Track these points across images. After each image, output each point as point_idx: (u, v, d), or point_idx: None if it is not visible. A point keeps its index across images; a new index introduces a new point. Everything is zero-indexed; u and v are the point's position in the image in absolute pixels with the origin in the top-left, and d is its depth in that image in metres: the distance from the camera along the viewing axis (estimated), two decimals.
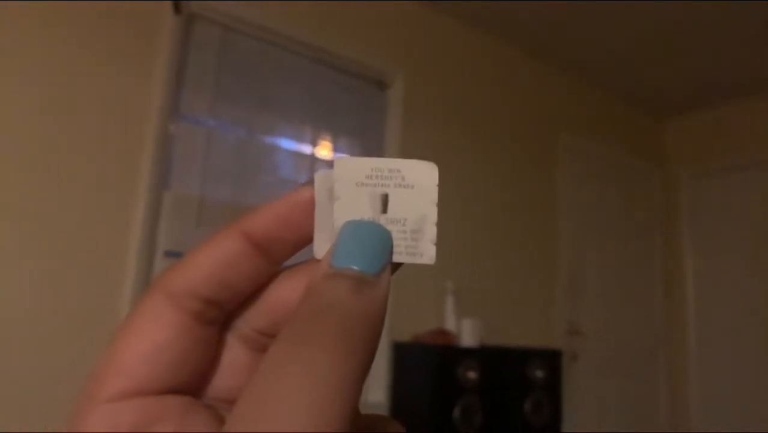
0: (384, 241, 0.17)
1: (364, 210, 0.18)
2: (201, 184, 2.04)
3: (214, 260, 0.18)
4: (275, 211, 0.18)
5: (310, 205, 0.18)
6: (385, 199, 0.18)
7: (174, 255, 1.91)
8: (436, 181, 0.19)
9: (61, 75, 1.76)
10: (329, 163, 0.19)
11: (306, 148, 2.34)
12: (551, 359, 2.50)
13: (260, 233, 0.18)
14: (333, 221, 0.18)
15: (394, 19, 2.61)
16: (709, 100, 3.52)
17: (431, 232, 0.18)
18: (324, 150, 2.38)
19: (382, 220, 0.18)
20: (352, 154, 2.50)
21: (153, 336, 0.17)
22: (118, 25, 1.88)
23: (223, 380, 0.19)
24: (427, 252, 0.18)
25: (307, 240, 0.19)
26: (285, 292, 0.19)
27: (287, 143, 2.30)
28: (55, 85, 1.75)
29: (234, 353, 0.19)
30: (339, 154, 2.41)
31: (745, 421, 3.13)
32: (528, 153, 3.04)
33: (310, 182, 0.19)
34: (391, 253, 0.18)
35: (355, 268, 0.16)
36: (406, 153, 2.47)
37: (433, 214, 0.19)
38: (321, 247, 0.18)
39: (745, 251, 3.31)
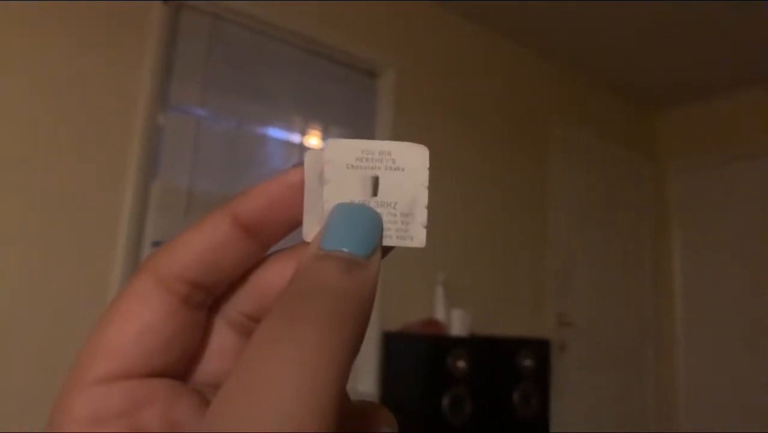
0: (374, 224, 0.17)
1: (355, 193, 0.18)
2: (190, 175, 2.02)
3: (202, 242, 0.17)
4: (264, 194, 0.18)
5: (300, 188, 0.18)
6: (375, 182, 0.18)
7: None
8: (427, 164, 0.18)
9: (48, 65, 1.74)
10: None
11: (296, 138, 2.33)
12: (540, 349, 2.52)
13: (249, 216, 0.18)
14: (323, 203, 0.18)
15: (384, 8, 2.60)
16: (701, 92, 3.53)
17: (422, 215, 0.18)
18: (314, 140, 2.37)
19: (373, 203, 0.18)
20: None
21: (141, 318, 0.17)
22: (106, 14, 1.85)
23: (209, 364, 0.19)
24: (417, 236, 0.18)
25: (296, 223, 0.18)
26: (272, 276, 0.19)
27: (277, 133, 2.29)
28: (42, 75, 1.72)
29: (221, 338, 0.19)
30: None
31: (733, 413, 3.17)
32: (519, 144, 3.04)
33: (300, 164, 0.18)
34: (381, 236, 0.17)
35: (345, 250, 0.16)
36: None
37: (423, 198, 0.18)
38: (310, 229, 0.18)
39: (735, 244, 3.33)
